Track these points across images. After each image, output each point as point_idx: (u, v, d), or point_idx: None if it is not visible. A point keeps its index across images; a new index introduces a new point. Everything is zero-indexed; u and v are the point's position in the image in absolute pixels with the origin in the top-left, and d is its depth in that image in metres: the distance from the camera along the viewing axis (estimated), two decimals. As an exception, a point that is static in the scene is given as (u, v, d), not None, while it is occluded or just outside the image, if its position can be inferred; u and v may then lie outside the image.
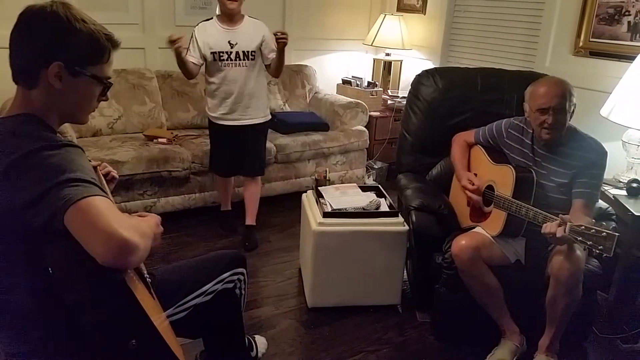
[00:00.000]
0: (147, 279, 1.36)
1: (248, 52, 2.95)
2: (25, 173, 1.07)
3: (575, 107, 2.16)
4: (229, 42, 2.91)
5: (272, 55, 2.99)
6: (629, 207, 2.42)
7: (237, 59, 2.94)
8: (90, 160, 1.27)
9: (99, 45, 1.23)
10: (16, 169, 1.07)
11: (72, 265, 1.09)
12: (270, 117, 3.25)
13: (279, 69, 3.03)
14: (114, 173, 1.63)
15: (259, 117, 3.13)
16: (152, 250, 1.24)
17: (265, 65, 3.07)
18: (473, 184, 2.35)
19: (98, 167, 1.57)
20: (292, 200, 3.52)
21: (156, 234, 1.29)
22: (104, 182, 1.52)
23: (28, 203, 1.05)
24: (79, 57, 1.20)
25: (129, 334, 1.11)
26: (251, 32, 2.96)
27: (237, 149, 3.14)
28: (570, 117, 2.17)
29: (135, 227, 1.10)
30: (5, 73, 1.22)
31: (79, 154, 1.16)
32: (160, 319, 1.22)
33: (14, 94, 1.24)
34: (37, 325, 1.17)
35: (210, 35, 2.91)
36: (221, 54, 2.92)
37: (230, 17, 2.91)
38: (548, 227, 1.91)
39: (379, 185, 2.90)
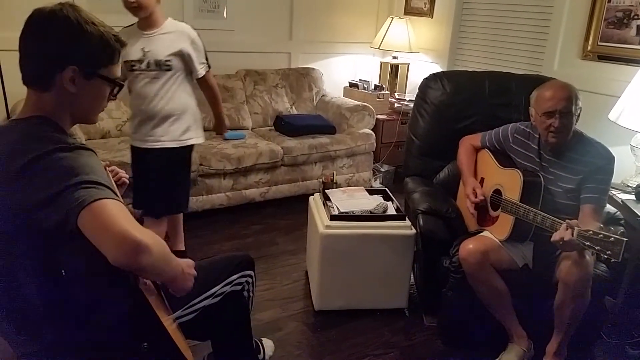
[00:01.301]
0: (159, 282, 1.37)
1: (160, 61, 2.46)
2: (38, 175, 1.08)
3: (581, 110, 2.16)
4: (142, 49, 2.47)
5: (202, 71, 2.58)
6: (637, 212, 2.41)
7: (148, 69, 2.46)
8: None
9: (110, 47, 1.25)
10: (29, 171, 1.09)
11: (85, 267, 1.10)
12: (188, 144, 2.62)
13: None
14: (125, 178, 1.64)
15: (168, 140, 2.55)
16: (183, 289, 1.28)
17: (197, 80, 2.62)
18: (476, 196, 2.34)
19: (107, 167, 1.58)
20: (299, 203, 3.53)
21: (187, 274, 1.31)
22: (114, 185, 1.53)
23: (41, 204, 1.06)
24: (92, 60, 1.22)
25: (141, 336, 1.12)
26: (169, 38, 2.49)
27: (146, 179, 2.61)
28: (576, 121, 2.17)
29: (149, 232, 1.11)
30: (14, 75, 1.23)
31: (92, 156, 1.17)
32: (169, 321, 1.23)
33: (22, 96, 1.25)
34: (48, 325, 1.18)
35: (129, 42, 2.36)
36: (133, 64, 2.47)
37: (145, 20, 2.48)
38: (557, 235, 1.90)
39: (386, 189, 2.90)
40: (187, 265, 1.33)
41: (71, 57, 1.19)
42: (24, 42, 1.20)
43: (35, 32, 1.19)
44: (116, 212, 1.06)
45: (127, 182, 1.64)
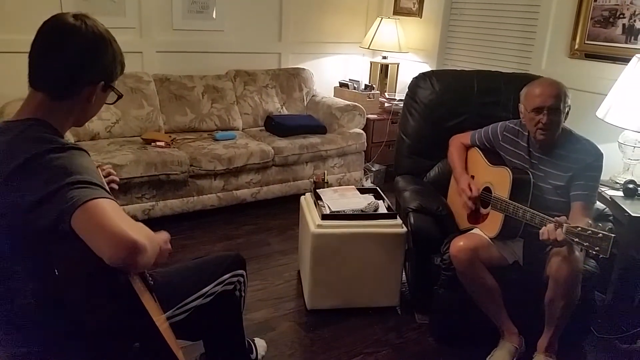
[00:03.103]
0: (150, 281, 1.37)
1: None
2: (32, 175, 1.08)
3: (569, 108, 2.18)
4: None
5: None
6: (625, 208, 2.43)
7: None
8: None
9: (123, 62, 1.32)
10: (23, 171, 1.08)
11: (78, 267, 1.10)
12: None
13: None
14: (115, 177, 1.64)
15: None
16: (156, 263, 1.25)
17: None
18: (472, 191, 2.35)
19: (99, 167, 1.58)
20: (291, 203, 3.53)
21: (163, 250, 1.31)
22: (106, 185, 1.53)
23: (34, 204, 1.06)
24: (113, 75, 1.30)
25: (133, 336, 1.12)
26: None
27: None
28: (565, 119, 2.19)
29: (142, 229, 1.11)
30: (2, 77, 1.23)
31: (85, 156, 1.18)
32: (160, 321, 1.23)
33: (11, 98, 1.25)
34: (39, 326, 1.17)
35: None
36: None
37: None
38: (546, 233, 1.91)
39: (377, 188, 2.91)
40: (163, 241, 1.34)
41: (103, 74, 1.26)
42: (48, 49, 1.21)
43: (72, 47, 1.21)
44: (111, 211, 1.06)
45: (118, 180, 1.64)
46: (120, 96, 1.36)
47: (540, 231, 1.94)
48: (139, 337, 1.13)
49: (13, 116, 1.24)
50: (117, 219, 1.06)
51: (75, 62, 1.21)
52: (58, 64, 1.21)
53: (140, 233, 1.08)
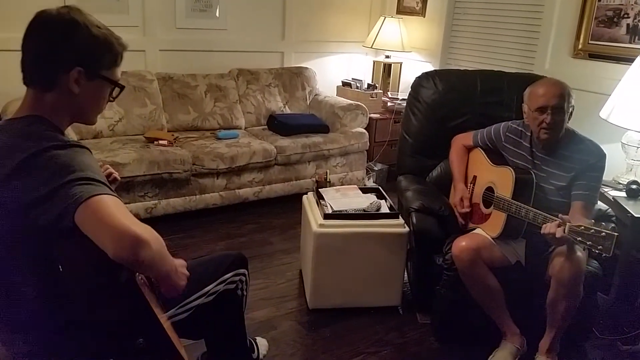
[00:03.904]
0: (153, 280, 1.37)
1: None
2: (33, 172, 1.09)
3: (573, 108, 2.17)
4: None
5: None
6: (628, 209, 2.42)
7: None
8: None
9: (114, 50, 1.28)
10: (25, 168, 1.09)
11: (83, 263, 1.10)
12: None
13: None
14: (116, 175, 1.64)
15: None
16: (176, 288, 1.25)
17: None
18: (463, 206, 2.38)
19: (101, 165, 1.58)
20: (293, 202, 3.53)
21: (180, 272, 1.30)
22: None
23: (37, 201, 1.06)
24: (96, 62, 1.25)
25: (137, 332, 1.12)
26: None
27: None
28: (569, 119, 2.19)
29: (146, 226, 1.11)
30: (4, 75, 1.23)
31: (87, 154, 1.18)
32: (163, 320, 1.23)
33: (13, 96, 1.25)
34: (42, 324, 1.18)
35: None
36: None
37: None
38: (548, 228, 1.91)
39: (379, 187, 2.91)
40: (180, 264, 1.33)
41: (77, 59, 1.21)
42: (29, 42, 1.21)
43: (41, 34, 1.20)
44: (114, 207, 1.07)
45: (119, 179, 1.64)
46: (120, 87, 1.32)
47: (543, 225, 1.94)
48: (143, 334, 1.13)
49: (13, 114, 1.24)
50: (120, 215, 1.06)
51: (43, 48, 1.20)
52: (30, 53, 1.21)
53: (143, 228, 1.08)
